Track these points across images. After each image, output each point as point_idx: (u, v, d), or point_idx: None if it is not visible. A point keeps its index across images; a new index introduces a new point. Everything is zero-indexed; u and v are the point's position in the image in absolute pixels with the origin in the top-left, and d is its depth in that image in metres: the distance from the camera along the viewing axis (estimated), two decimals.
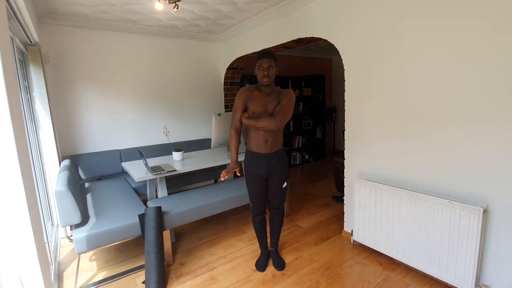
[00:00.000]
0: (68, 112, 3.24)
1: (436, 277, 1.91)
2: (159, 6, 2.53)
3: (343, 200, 2.66)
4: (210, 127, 4.32)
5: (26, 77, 2.57)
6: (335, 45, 2.48)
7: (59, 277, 2.19)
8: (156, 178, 2.58)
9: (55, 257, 2.36)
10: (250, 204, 2.19)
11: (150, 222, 2.06)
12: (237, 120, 1.98)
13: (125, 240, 2.60)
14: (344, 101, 2.48)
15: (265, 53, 1.86)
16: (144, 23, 3.40)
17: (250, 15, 3.24)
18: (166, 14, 3.05)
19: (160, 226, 2.12)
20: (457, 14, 1.69)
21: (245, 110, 1.97)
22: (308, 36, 2.72)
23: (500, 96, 1.57)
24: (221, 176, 1.87)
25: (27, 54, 2.54)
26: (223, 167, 3.85)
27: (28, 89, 2.59)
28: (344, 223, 2.65)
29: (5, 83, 1.02)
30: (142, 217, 2.14)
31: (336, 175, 3.48)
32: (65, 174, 2.24)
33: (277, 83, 4.73)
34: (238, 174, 1.92)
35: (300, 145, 5.55)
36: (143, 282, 2.06)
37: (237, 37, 3.86)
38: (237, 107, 1.97)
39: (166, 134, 3.25)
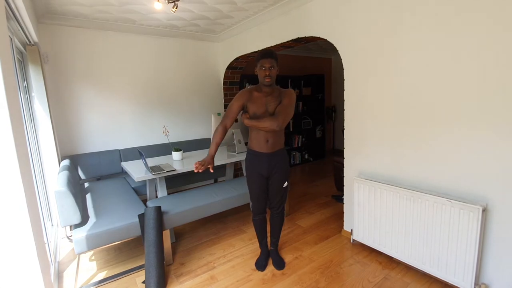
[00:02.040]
0: (67, 112, 3.23)
1: (435, 276, 1.92)
2: (158, 6, 2.53)
3: (342, 199, 2.66)
4: (210, 127, 4.33)
5: (25, 77, 2.57)
6: (334, 45, 2.48)
7: (59, 277, 2.19)
8: (155, 178, 2.58)
9: (55, 257, 2.36)
10: (250, 203, 2.19)
11: (150, 222, 2.06)
12: (229, 119, 1.97)
13: (125, 240, 2.60)
14: (344, 100, 2.48)
15: (267, 53, 1.86)
16: (143, 23, 3.40)
17: (250, 15, 3.24)
18: (165, 13, 3.05)
19: (160, 226, 2.12)
20: (457, 14, 1.69)
21: (245, 111, 1.97)
22: (307, 35, 2.72)
23: (500, 95, 1.57)
24: (194, 166, 1.84)
25: (26, 54, 2.54)
26: (223, 166, 3.85)
27: (27, 89, 2.59)
28: (344, 222, 2.66)
29: (4, 83, 1.02)
30: (142, 217, 2.14)
31: (336, 174, 3.48)
32: (64, 174, 2.24)
33: (276, 82, 4.72)
34: (211, 171, 1.91)
35: (299, 145, 5.55)
36: (143, 282, 2.06)
37: (236, 37, 3.86)
38: (232, 108, 1.96)
39: (166, 134, 3.25)
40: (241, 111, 2.00)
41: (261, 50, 1.91)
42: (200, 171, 1.84)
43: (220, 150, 3.45)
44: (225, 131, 1.99)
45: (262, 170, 2.02)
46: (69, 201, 1.98)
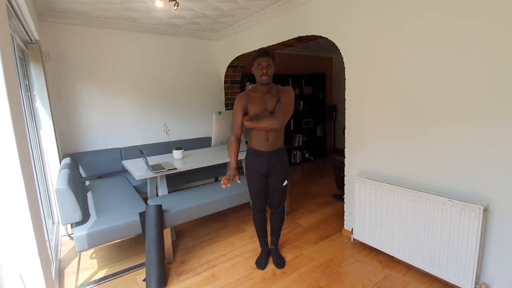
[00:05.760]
0: (68, 110, 3.24)
1: (436, 275, 1.92)
2: (159, 4, 2.53)
3: (343, 198, 2.66)
4: (211, 126, 4.32)
5: (26, 75, 2.57)
6: (335, 43, 2.48)
7: (60, 274, 2.20)
8: (156, 177, 2.58)
9: (56, 255, 2.37)
10: (251, 202, 2.20)
11: (151, 220, 2.07)
12: (237, 127, 1.97)
13: (126, 238, 2.60)
14: (345, 99, 2.48)
15: (264, 52, 1.86)
16: (144, 21, 3.39)
17: (251, 13, 3.23)
18: (166, 12, 3.05)
19: (161, 224, 2.12)
20: (458, 12, 1.69)
21: (245, 113, 1.97)
22: (308, 34, 2.71)
23: (503, 95, 1.57)
24: (222, 184, 1.84)
25: (27, 52, 2.54)
26: (224, 165, 3.85)
27: (29, 87, 2.59)
28: (344, 222, 2.66)
29: (5, 81, 1.02)
30: (142, 215, 2.14)
31: (337, 173, 3.48)
32: (65, 172, 2.25)
33: (277, 81, 4.70)
34: (238, 182, 1.91)
35: (300, 144, 5.55)
36: (144, 280, 2.07)
37: (237, 35, 3.85)
38: (236, 113, 1.96)
39: (167, 133, 3.25)
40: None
41: (258, 49, 1.90)
42: (229, 185, 1.85)
43: (221, 148, 3.45)
44: (238, 140, 2.00)
45: (262, 169, 2.02)
46: (70, 199, 1.98)
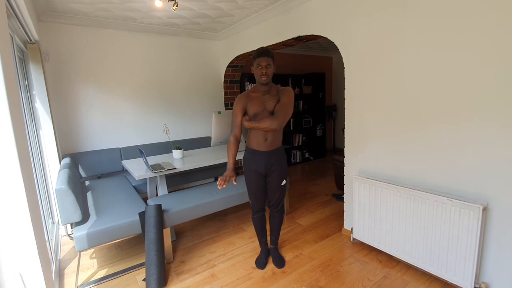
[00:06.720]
0: (68, 110, 3.24)
1: (435, 274, 1.92)
2: (158, 4, 2.53)
3: (343, 198, 2.66)
4: (210, 125, 4.33)
5: (26, 75, 2.57)
6: (335, 43, 2.48)
7: (60, 274, 2.20)
8: (156, 176, 2.58)
9: (56, 255, 2.37)
10: (250, 202, 2.20)
11: (151, 220, 2.07)
12: (237, 127, 1.98)
13: (126, 238, 2.61)
14: (345, 99, 2.48)
15: (263, 52, 1.86)
16: (144, 21, 3.39)
17: (250, 13, 3.23)
18: (165, 11, 3.05)
19: (161, 224, 2.12)
20: (460, 11, 1.69)
21: (245, 113, 1.98)
22: (308, 33, 2.72)
23: (502, 94, 1.57)
24: (217, 184, 1.82)
25: (27, 52, 2.54)
26: (223, 165, 3.86)
27: (28, 88, 2.59)
28: (344, 221, 2.66)
29: (5, 82, 1.02)
30: (142, 215, 2.14)
31: (336, 173, 3.48)
32: (65, 172, 2.25)
33: (277, 81, 4.69)
34: (235, 183, 1.90)
35: (300, 143, 5.55)
36: (144, 280, 2.07)
37: (237, 35, 3.85)
38: (236, 113, 1.97)
39: (166, 132, 3.25)
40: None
41: (257, 48, 1.90)
42: (224, 186, 1.83)
43: (220, 148, 3.45)
44: (237, 141, 2.00)
45: (260, 168, 2.02)
46: (70, 199, 1.99)
